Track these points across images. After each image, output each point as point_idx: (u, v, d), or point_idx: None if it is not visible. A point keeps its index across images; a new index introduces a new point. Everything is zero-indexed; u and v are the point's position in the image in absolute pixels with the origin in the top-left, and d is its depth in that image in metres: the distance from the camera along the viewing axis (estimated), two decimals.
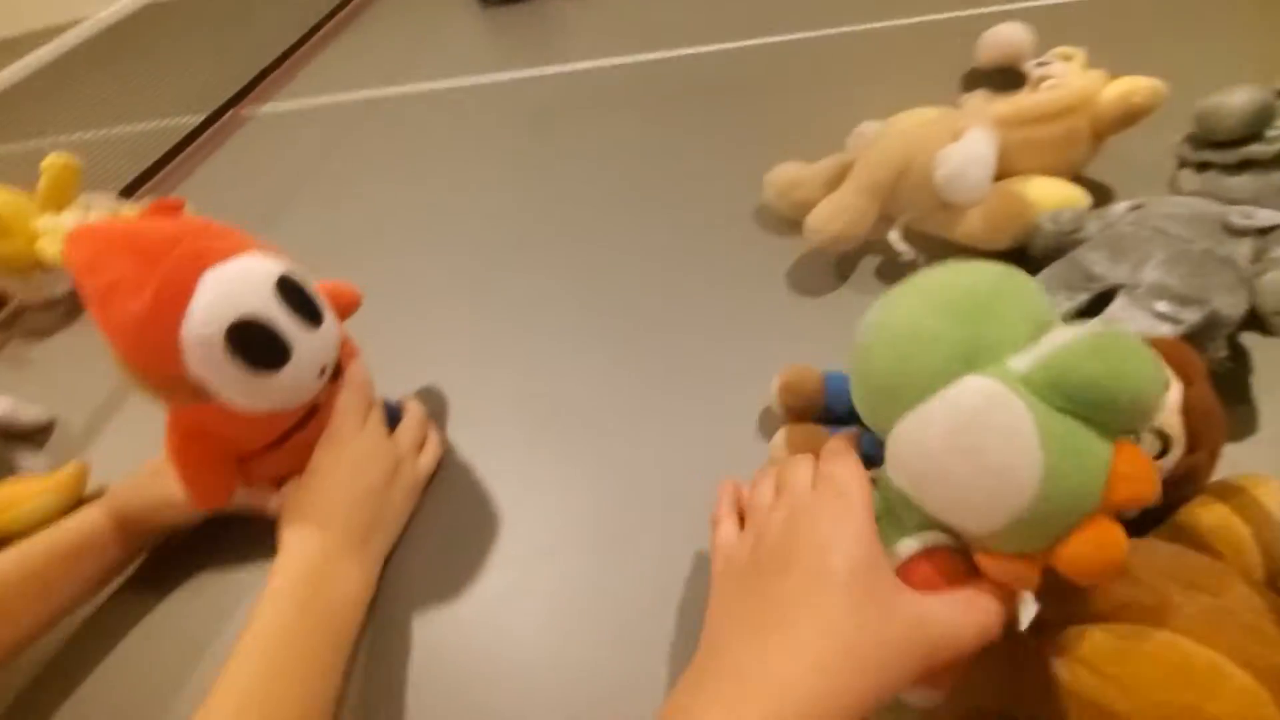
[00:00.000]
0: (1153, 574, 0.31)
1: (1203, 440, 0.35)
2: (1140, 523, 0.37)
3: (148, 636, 0.47)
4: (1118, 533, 0.27)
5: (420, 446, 0.51)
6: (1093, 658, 0.29)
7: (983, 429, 0.26)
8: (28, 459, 0.60)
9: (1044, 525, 0.26)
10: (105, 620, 0.48)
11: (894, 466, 0.30)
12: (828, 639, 0.27)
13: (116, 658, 0.46)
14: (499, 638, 0.43)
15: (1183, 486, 0.36)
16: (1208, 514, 0.36)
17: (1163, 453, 0.35)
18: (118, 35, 1.14)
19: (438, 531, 0.49)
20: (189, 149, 1.09)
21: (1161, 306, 0.44)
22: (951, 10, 0.94)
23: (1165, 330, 0.44)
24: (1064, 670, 0.30)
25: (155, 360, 0.38)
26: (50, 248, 0.76)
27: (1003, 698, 0.34)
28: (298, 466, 0.46)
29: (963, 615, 0.28)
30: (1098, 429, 0.26)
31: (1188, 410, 0.35)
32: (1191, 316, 0.44)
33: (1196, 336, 0.45)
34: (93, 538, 0.46)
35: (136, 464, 0.51)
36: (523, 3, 1.33)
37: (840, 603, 0.27)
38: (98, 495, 0.56)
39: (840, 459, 0.33)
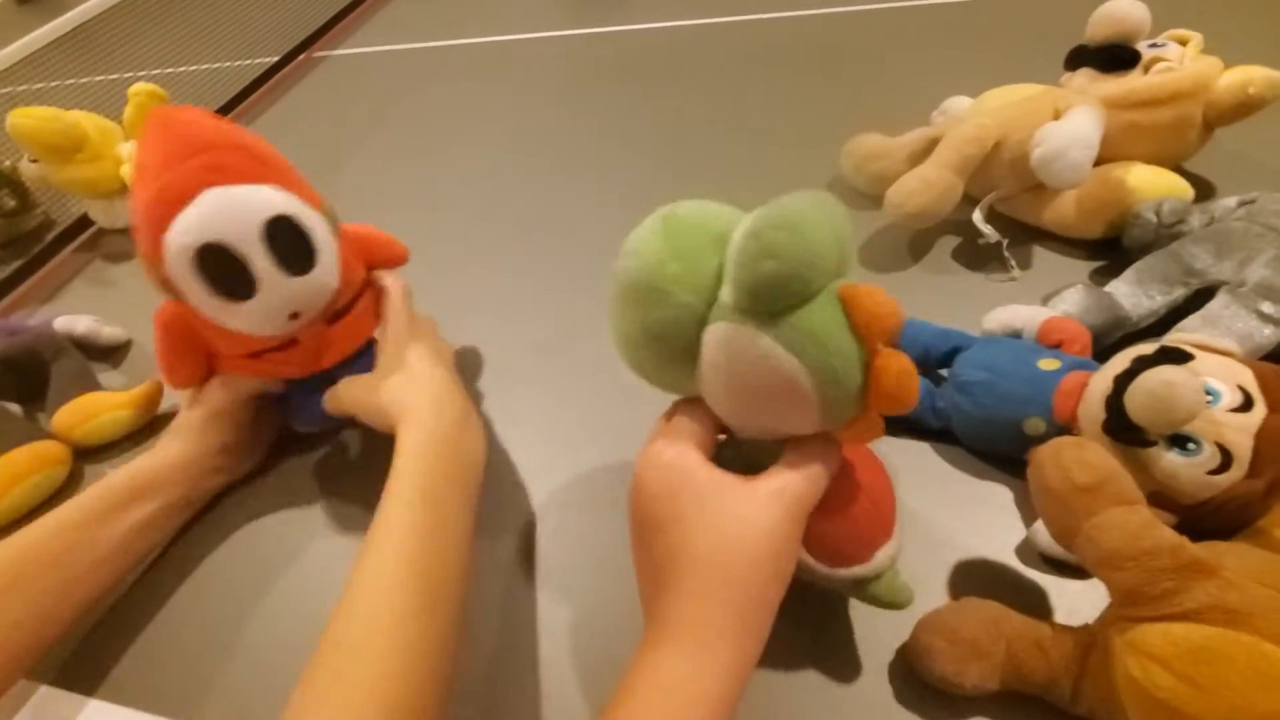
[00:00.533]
0: (1242, 577, 0.30)
1: (1266, 468, 0.34)
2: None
3: (199, 587, 0.47)
4: (900, 359, 0.28)
5: None
6: (1170, 656, 0.28)
7: (744, 369, 0.29)
8: (107, 376, 0.63)
9: (845, 399, 0.29)
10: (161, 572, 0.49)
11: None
12: (693, 564, 0.29)
13: (175, 607, 0.46)
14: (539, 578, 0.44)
15: (1230, 511, 0.35)
16: None
17: (1222, 468, 0.34)
18: None
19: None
20: (264, 87, 1.11)
21: (1266, 307, 0.42)
22: None
23: (1268, 332, 0.42)
24: (1136, 667, 0.29)
25: (146, 250, 0.40)
26: (133, 173, 0.78)
27: (1062, 689, 0.33)
28: (270, 374, 0.47)
29: (802, 476, 0.31)
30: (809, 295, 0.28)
31: (1261, 435, 0.34)
32: None
33: None
34: (163, 473, 0.47)
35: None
36: None
37: (696, 532, 0.30)
38: (171, 414, 0.59)
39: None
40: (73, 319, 0.65)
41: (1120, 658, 0.30)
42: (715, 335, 0.29)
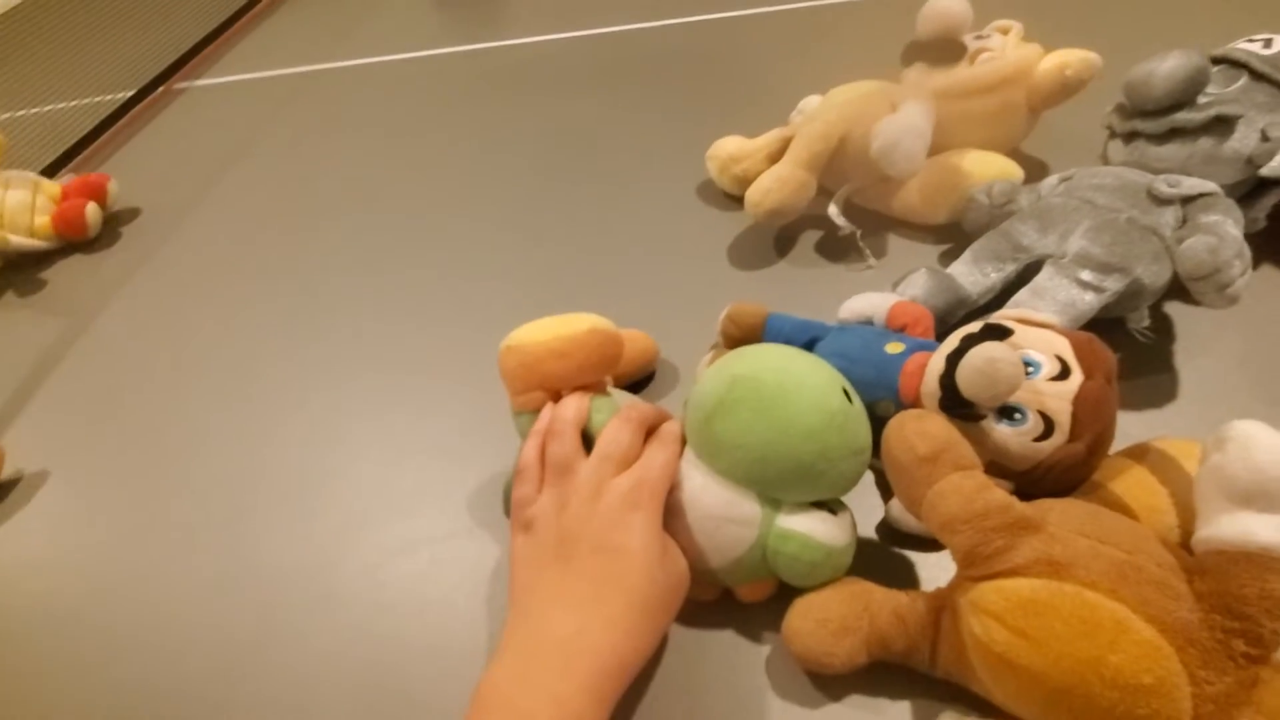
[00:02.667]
0: (1065, 530, 0.31)
1: (1084, 431, 0.36)
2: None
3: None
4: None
5: None
6: (1002, 611, 0.30)
7: (722, 529, 0.36)
8: None
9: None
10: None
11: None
12: (633, 609, 0.33)
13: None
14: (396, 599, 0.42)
15: (1058, 473, 0.36)
16: (1127, 476, 0.37)
17: (1045, 435, 0.36)
18: (39, 13, 1.08)
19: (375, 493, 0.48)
20: (117, 125, 1.04)
21: (1085, 275, 0.45)
22: None
23: (1089, 299, 0.45)
24: (976, 624, 0.30)
25: None
26: None
27: (921, 654, 0.34)
28: None
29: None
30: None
31: (1078, 400, 0.35)
32: (1114, 285, 0.44)
33: (1119, 305, 0.46)
34: None
35: (48, 453, 0.49)
36: None
37: (641, 576, 0.33)
38: (15, 481, 0.54)
39: (665, 448, 0.37)
40: None
41: (964, 617, 0.32)
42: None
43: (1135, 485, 0.36)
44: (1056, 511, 0.33)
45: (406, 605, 0.42)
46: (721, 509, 0.36)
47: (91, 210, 0.79)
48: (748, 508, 0.36)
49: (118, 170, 0.87)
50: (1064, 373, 0.36)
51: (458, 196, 0.76)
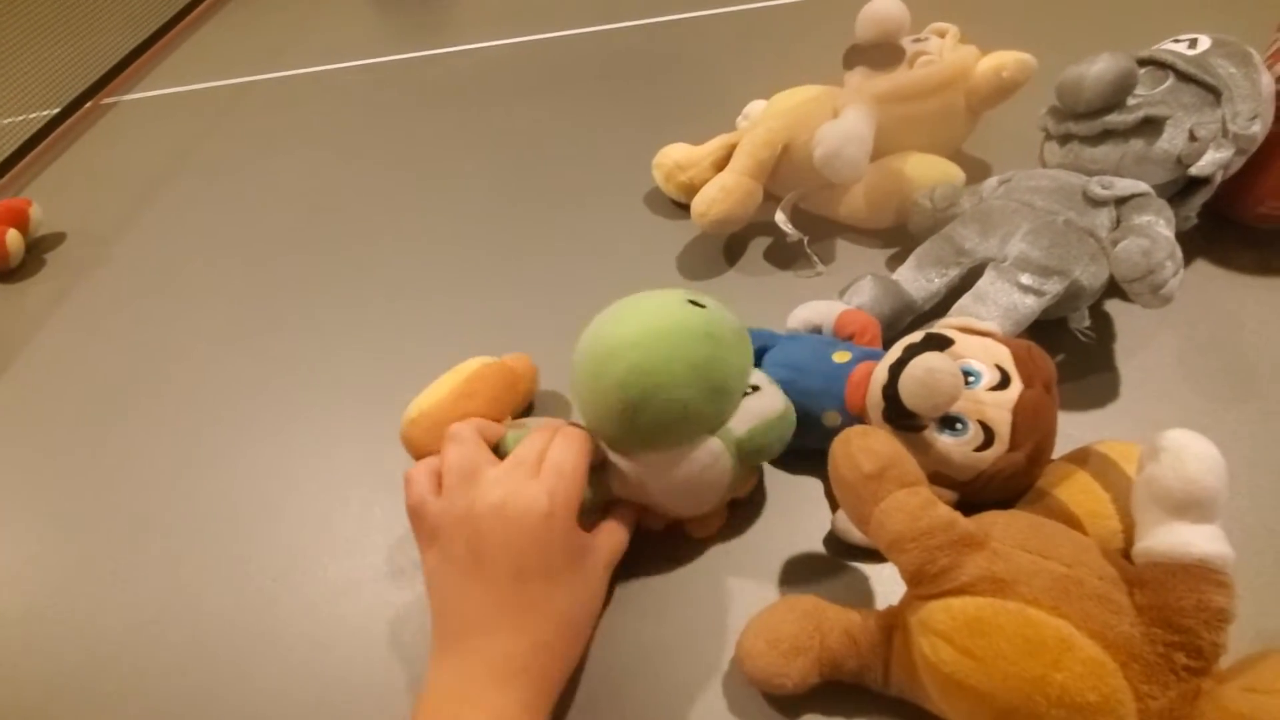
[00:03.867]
0: (1008, 546, 0.31)
1: (1024, 440, 0.36)
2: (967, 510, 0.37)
3: None
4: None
5: None
6: (949, 631, 0.29)
7: (704, 475, 0.38)
8: None
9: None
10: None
11: (629, 475, 0.39)
12: (561, 632, 0.34)
13: None
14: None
15: (1000, 482, 0.37)
16: (1070, 482, 0.37)
17: (986, 445, 0.36)
18: None
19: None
20: (40, 145, 1.00)
21: (1025, 279, 0.45)
22: None
23: (1030, 302, 0.45)
24: (925, 644, 0.30)
25: None
26: None
27: (874, 674, 0.34)
28: None
29: (612, 538, 0.39)
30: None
31: (1017, 410, 0.36)
32: (1054, 287, 0.45)
33: (1059, 306, 0.46)
34: None
35: None
36: None
37: (564, 600, 0.34)
38: None
39: (570, 444, 0.37)
40: None
41: (915, 637, 0.31)
42: (711, 445, 0.38)
43: (1078, 491, 0.36)
44: (999, 526, 0.33)
45: (350, 644, 0.41)
46: (692, 469, 0.37)
47: (12, 238, 0.75)
48: (706, 448, 0.37)
49: (41, 193, 0.83)
50: (1004, 382, 0.37)
51: (400, 211, 0.74)
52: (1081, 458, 0.37)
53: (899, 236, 0.57)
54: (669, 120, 0.74)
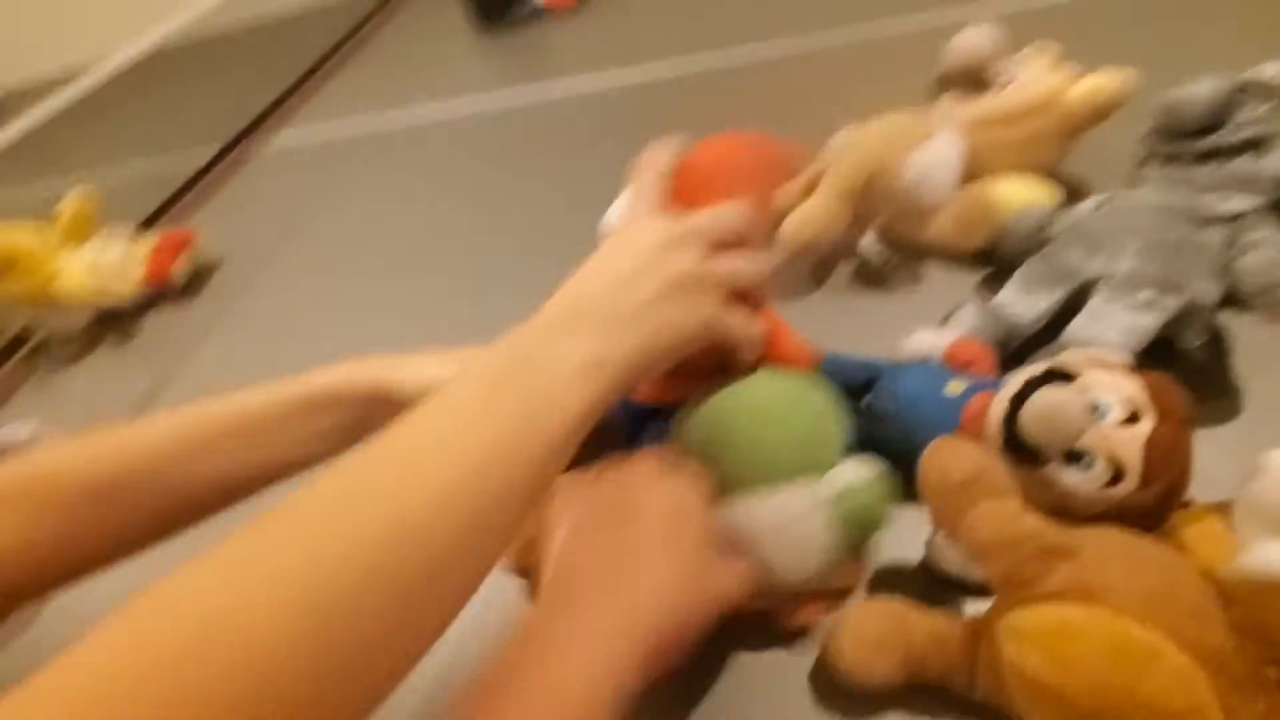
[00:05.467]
0: (1099, 557, 0.32)
1: (1157, 477, 0.34)
2: None
3: None
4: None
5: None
6: (1036, 635, 0.30)
7: (796, 527, 0.37)
8: None
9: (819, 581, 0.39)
10: None
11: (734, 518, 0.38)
12: (671, 585, 0.33)
13: None
14: None
15: (1127, 521, 0.35)
16: (1198, 527, 0.35)
17: (1115, 481, 0.35)
18: (132, 78, 1.19)
19: None
20: (203, 181, 1.13)
21: (1143, 295, 0.45)
22: (926, 12, 0.95)
23: (1149, 320, 0.44)
24: (1011, 648, 0.31)
25: None
26: (63, 284, 0.80)
27: (960, 676, 0.35)
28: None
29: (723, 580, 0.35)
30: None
31: (1150, 445, 0.34)
32: (1172, 303, 0.44)
33: (1176, 324, 0.45)
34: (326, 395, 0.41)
35: None
36: (513, 22, 1.38)
37: (683, 553, 0.34)
38: None
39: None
40: (14, 429, 0.66)
41: (1001, 641, 0.32)
42: (800, 496, 0.37)
43: (1205, 537, 0.34)
44: (1091, 538, 0.33)
45: None
46: (776, 517, 0.37)
47: (179, 263, 0.86)
48: (796, 497, 0.37)
49: (205, 224, 0.94)
50: (1135, 416, 0.36)
51: (518, 244, 0.79)
52: (1222, 508, 0.35)
53: (989, 260, 0.58)
54: None
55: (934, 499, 0.35)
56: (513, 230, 0.83)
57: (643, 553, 0.33)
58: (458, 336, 0.69)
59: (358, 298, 0.78)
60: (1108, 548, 0.32)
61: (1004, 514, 0.33)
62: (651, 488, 0.36)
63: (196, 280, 0.88)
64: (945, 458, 0.35)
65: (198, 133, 1.28)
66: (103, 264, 0.83)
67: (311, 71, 1.44)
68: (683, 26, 1.16)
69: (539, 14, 1.37)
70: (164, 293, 0.87)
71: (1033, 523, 0.32)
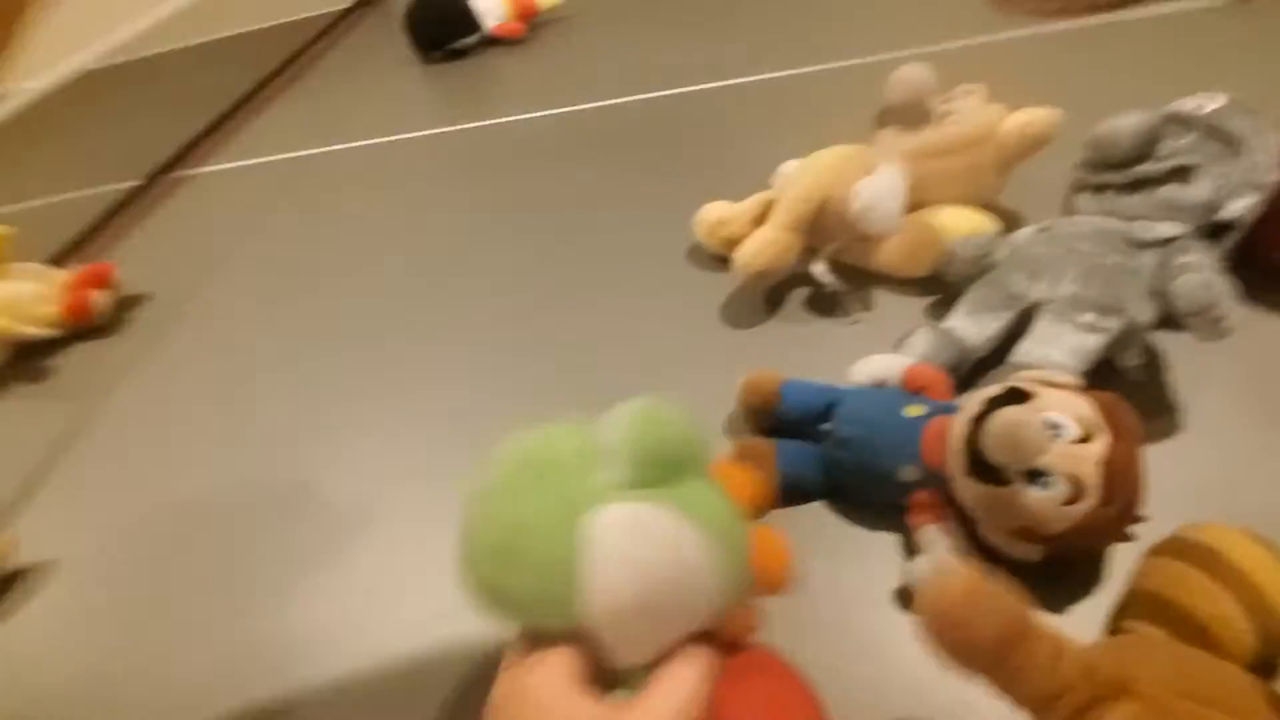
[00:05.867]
0: (1159, 689, 0.28)
1: (1116, 495, 0.35)
2: (1054, 563, 0.37)
3: None
4: (776, 539, 0.31)
5: None
6: None
7: (645, 549, 0.26)
8: None
9: (736, 573, 0.28)
10: None
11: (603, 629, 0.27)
12: None
13: None
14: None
15: (1090, 537, 0.36)
16: (1185, 586, 0.33)
17: (1075, 498, 0.35)
18: (50, 105, 1.12)
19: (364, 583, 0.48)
20: (124, 213, 1.07)
21: (1086, 318, 0.46)
22: (862, 56, 0.99)
23: (1093, 340, 0.46)
24: None
25: None
26: None
27: None
28: None
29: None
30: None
31: (1108, 463, 0.35)
32: (1113, 325, 0.46)
33: (1115, 345, 0.46)
34: None
35: (57, 541, 0.49)
36: (460, 58, 1.36)
37: None
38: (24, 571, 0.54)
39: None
40: None
41: None
42: (614, 516, 0.26)
43: (1197, 595, 0.33)
44: (1144, 666, 0.29)
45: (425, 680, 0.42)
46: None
47: (98, 298, 0.80)
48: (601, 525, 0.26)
49: (125, 257, 0.89)
50: (1089, 435, 0.36)
51: (454, 269, 0.78)
52: (1182, 550, 0.34)
53: (934, 285, 0.59)
54: (706, 181, 0.77)
55: (959, 655, 0.30)
56: (442, 253, 0.81)
57: None
58: (382, 367, 0.67)
59: (284, 332, 0.75)
60: (1164, 676, 0.28)
61: (1044, 661, 0.28)
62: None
63: (117, 315, 0.83)
64: (961, 615, 0.29)
65: (119, 162, 1.21)
66: (17, 300, 0.77)
67: (243, 100, 1.39)
68: (630, 60, 1.17)
69: (484, 44, 1.35)
70: (83, 328, 0.81)
71: (1077, 661, 0.28)
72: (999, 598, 0.29)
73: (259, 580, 0.50)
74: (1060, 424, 0.36)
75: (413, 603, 0.47)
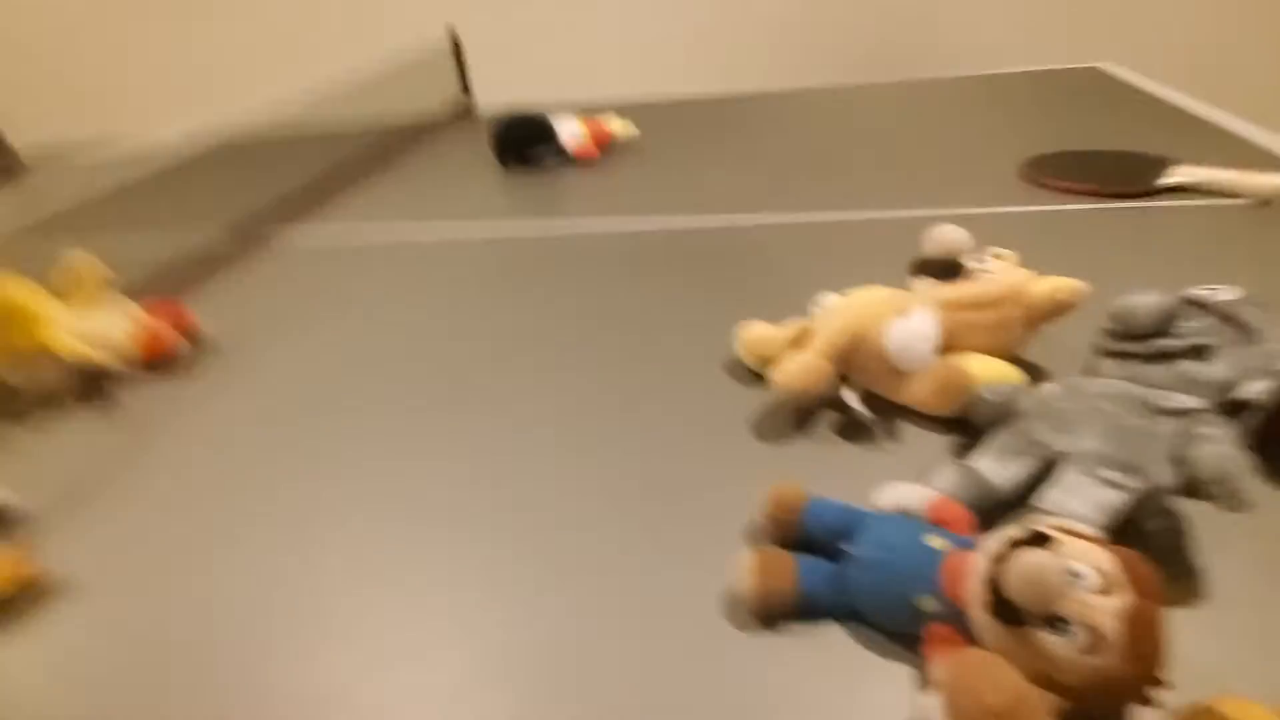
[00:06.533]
0: None
1: (1137, 651, 0.34)
2: None
3: None
4: None
5: None
6: None
7: None
8: None
9: None
10: None
11: None
12: None
13: None
14: None
15: (1108, 694, 0.35)
16: None
17: (1093, 649, 0.35)
18: (176, 162, 1.23)
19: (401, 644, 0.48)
20: (209, 265, 1.15)
21: (1106, 474, 0.47)
22: (900, 210, 1.06)
23: (1115, 496, 0.46)
24: None
25: None
26: (59, 343, 0.79)
27: None
28: None
29: None
30: None
31: (1128, 618, 0.34)
32: (1135, 484, 0.47)
33: (1140, 507, 0.47)
34: None
35: (86, 563, 0.50)
36: (535, 168, 1.47)
37: None
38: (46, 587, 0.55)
39: None
40: None
41: None
42: None
43: None
44: None
45: None
46: None
47: (174, 339, 0.85)
48: None
49: (204, 308, 0.94)
50: (1108, 587, 0.36)
51: (507, 363, 0.81)
52: None
53: (958, 426, 0.61)
54: (749, 304, 0.82)
55: None
56: (499, 344, 0.85)
57: None
58: (434, 450, 0.69)
59: (346, 400, 0.78)
60: None
61: None
62: None
63: (188, 360, 0.87)
64: (976, 678, 0.32)
65: (216, 222, 1.31)
66: (97, 329, 0.83)
67: (337, 185, 1.51)
68: (692, 189, 1.26)
69: (563, 162, 1.46)
70: (154, 366, 0.85)
71: None
72: (1012, 675, 0.31)
73: (270, 626, 0.51)
74: (1080, 572, 0.37)
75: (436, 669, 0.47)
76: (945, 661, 0.32)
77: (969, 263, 0.66)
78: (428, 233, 1.23)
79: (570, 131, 1.45)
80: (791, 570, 0.47)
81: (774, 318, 0.72)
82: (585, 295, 0.95)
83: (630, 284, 0.96)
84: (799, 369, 0.61)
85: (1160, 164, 1.04)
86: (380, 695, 0.45)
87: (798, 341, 0.67)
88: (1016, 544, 0.39)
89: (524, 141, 1.46)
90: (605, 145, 1.48)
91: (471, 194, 1.40)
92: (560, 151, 1.45)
